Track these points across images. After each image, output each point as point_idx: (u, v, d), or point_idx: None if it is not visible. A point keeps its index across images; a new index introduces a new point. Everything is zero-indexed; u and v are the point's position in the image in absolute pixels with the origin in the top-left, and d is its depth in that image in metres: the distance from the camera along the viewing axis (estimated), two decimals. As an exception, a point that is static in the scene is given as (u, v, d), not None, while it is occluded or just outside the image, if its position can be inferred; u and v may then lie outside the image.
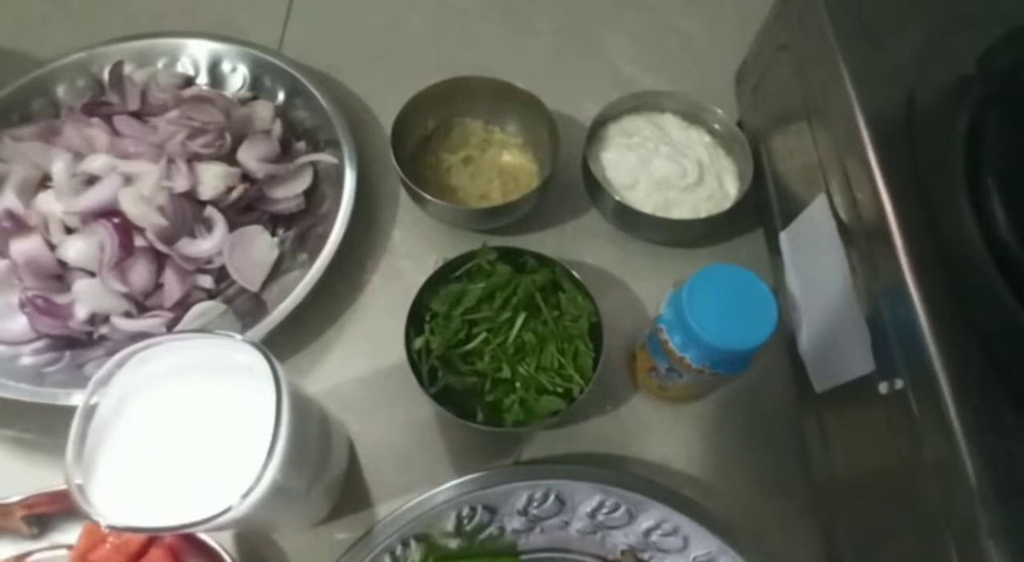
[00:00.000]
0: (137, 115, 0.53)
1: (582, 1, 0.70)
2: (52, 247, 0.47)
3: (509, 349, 0.45)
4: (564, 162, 0.53)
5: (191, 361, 0.33)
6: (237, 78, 0.59)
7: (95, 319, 0.47)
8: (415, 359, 0.44)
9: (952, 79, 0.37)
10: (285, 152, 0.55)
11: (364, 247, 0.55)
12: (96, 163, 0.49)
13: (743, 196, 0.51)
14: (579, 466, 0.44)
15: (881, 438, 0.35)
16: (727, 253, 0.55)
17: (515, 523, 0.42)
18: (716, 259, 0.54)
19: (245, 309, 0.49)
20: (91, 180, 0.49)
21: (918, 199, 0.35)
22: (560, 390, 0.44)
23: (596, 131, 0.54)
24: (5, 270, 0.46)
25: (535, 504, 0.41)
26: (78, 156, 0.50)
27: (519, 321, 0.46)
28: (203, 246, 0.49)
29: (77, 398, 0.43)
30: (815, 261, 0.43)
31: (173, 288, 0.48)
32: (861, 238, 0.37)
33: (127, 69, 0.55)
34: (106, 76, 0.56)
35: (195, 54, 0.59)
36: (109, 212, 0.47)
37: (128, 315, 0.47)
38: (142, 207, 0.47)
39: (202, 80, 0.59)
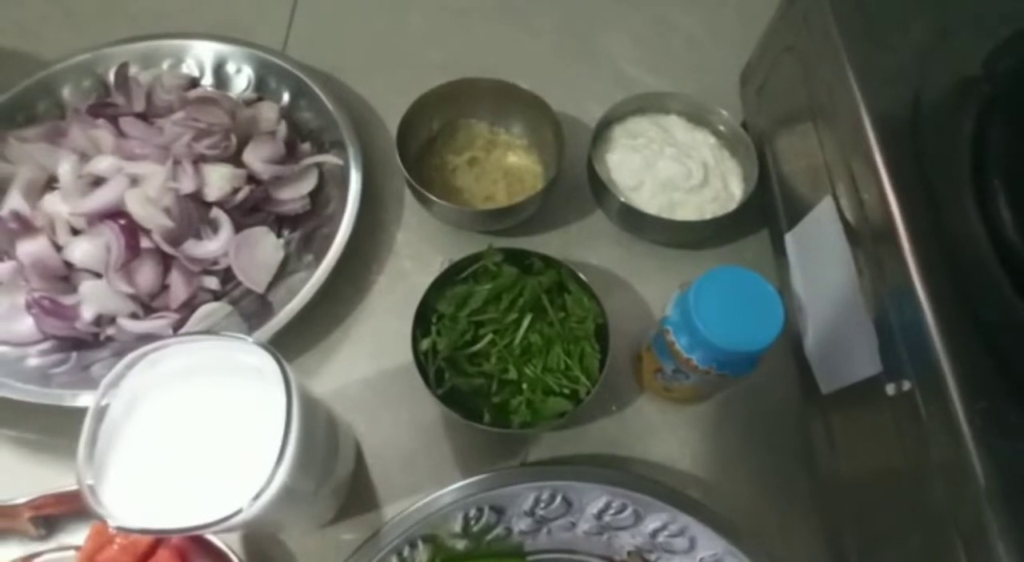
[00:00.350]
0: (143, 116, 0.53)
1: (583, 1, 0.70)
2: (58, 248, 0.47)
3: (515, 350, 0.45)
4: (569, 163, 0.53)
5: (200, 363, 0.33)
6: (242, 79, 0.59)
7: (101, 320, 0.47)
8: (422, 360, 0.44)
9: (958, 80, 0.37)
10: (290, 153, 0.55)
11: (369, 248, 0.55)
12: (102, 164, 0.49)
13: (748, 198, 0.51)
14: (586, 467, 0.44)
15: (888, 439, 0.35)
16: (732, 254, 0.55)
17: (522, 524, 0.42)
18: (721, 260, 0.55)
19: (251, 310, 0.49)
20: (97, 181, 0.49)
21: (925, 200, 0.35)
22: (567, 391, 0.45)
23: (601, 132, 0.54)
24: (11, 271, 0.47)
25: (542, 505, 0.41)
26: (84, 157, 0.50)
27: (525, 322, 0.46)
28: (209, 247, 0.49)
29: (83, 399, 0.43)
30: (821, 263, 0.43)
31: (179, 289, 0.48)
32: (868, 240, 0.37)
33: (132, 70, 0.55)
34: (111, 77, 0.56)
35: (200, 55, 0.59)
36: (115, 213, 0.47)
37: (134, 316, 0.47)
38: (148, 208, 0.47)
39: (207, 81, 0.59)
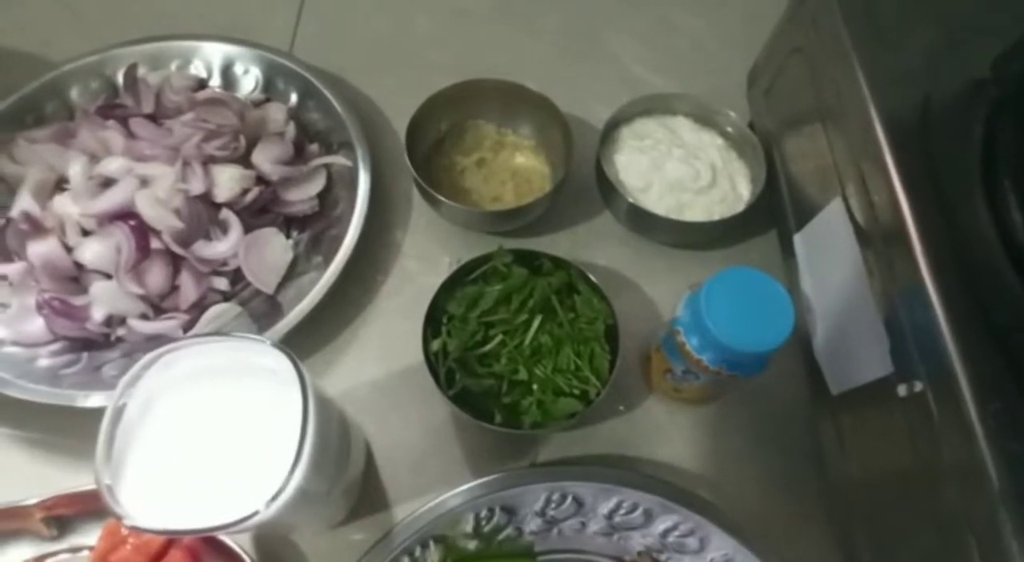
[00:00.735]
0: (152, 117, 0.53)
1: (588, 2, 0.70)
2: (69, 249, 0.47)
3: (526, 351, 0.45)
4: (576, 164, 0.53)
5: (215, 364, 0.33)
6: (250, 80, 0.59)
7: (112, 321, 0.47)
8: (432, 361, 0.44)
9: (967, 81, 0.38)
10: (299, 154, 0.55)
11: (378, 249, 0.55)
12: (112, 165, 0.49)
13: (756, 198, 0.51)
14: (596, 467, 0.44)
15: (899, 440, 0.35)
16: (740, 255, 0.55)
17: (533, 525, 0.42)
18: (729, 261, 0.55)
19: (260, 311, 0.49)
20: (107, 182, 0.49)
21: (935, 202, 0.35)
22: (577, 392, 0.45)
23: (608, 133, 0.55)
24: (22, 272, 0.47)
25: (553, 506, 0.42)
26: (94, 158, 0.50)
27: (535, 323, 0.46)
28: (218, 248, 0.49)
29: (94, 400, 0.43)
30: (831, 263, 0.43)
31: (189, 290, 0.48)
32: (878, 241, 0.37)
33: (141, 71, 0.56)
34: (120, 79, 0.56)
35: (208, 56, 0.59)
36: (125, 214, 0.47)
37: (144, 317, 0.48)
38: (158, 209, 0.47)
39: (215, 82, 0.59)
